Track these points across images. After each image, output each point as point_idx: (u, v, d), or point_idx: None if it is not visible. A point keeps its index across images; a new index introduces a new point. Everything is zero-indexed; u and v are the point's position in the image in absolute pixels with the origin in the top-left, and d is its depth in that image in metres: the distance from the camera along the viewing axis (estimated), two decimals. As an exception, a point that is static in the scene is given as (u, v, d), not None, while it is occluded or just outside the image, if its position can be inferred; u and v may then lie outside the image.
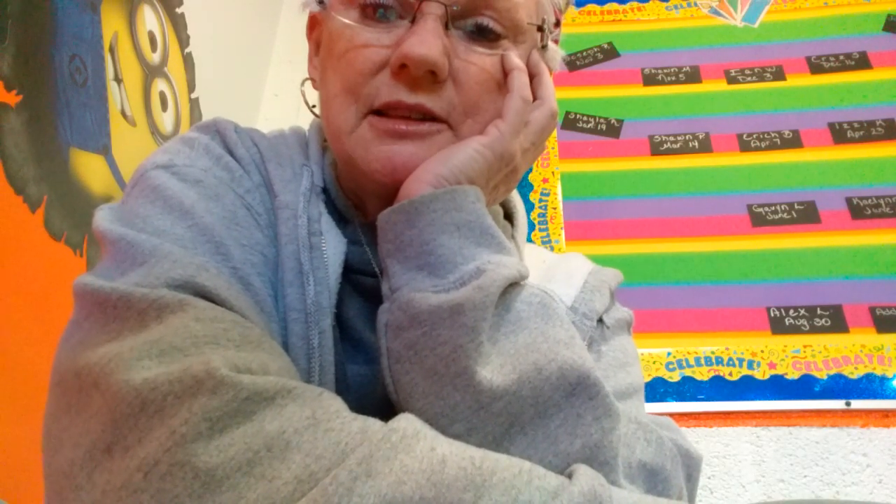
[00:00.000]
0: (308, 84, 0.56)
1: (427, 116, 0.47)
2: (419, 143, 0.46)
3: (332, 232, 0.48)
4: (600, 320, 0.56)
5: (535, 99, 0.51)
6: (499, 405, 0.38)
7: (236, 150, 0.49)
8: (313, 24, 0.56)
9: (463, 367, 0.38)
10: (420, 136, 0.47)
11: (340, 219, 0.52)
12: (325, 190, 0.52)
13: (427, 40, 0.45)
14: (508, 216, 0.61)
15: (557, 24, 0.55)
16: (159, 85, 1.37)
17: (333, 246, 0.47)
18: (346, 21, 0.48)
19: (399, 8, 0.47)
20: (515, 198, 0.61)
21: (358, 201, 0.53)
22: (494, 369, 0.39)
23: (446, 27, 0.46)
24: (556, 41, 0.56)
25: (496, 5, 0.47)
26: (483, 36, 0.48)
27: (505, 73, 0.49)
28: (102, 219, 0.43)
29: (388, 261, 0.44)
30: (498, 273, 0.41)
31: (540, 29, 0.51)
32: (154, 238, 0.40)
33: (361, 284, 0.50)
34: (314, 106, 0.55)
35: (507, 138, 0.47)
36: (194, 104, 1.52)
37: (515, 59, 0.49)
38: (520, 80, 0.48)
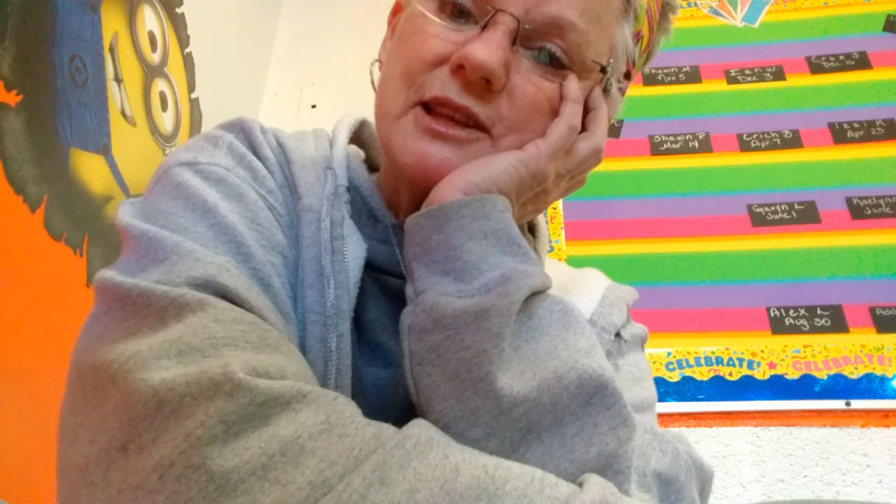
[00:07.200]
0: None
1: (471, 122, 0.47)
2: (456, 149, 0.46)
3: (353, 236, 0.48)
4: (618, 334, 0.57)
5: (584, 130, 0.51)
6: (518, 411, 0.39)
7: (261, 149, 0.49)
8: (397, 10, 0.57)
9: (485, 372, 0.39)
10: (458, 141, 0.47)
11: (370, 216, 0.52)
12: (351, 189, 0.52)
13: (490, 48, 0.45)
14: (531, 229, 0.61)
15: (628, 76, 0.55)
16: (159, 85, 1.37)
17: (354, 251, 0.48)
18: (423, 10, 0.49)
19: (475, 12, 0.48)
20: None
21: (392, 196, 0.53)
22: (515, 375, 0.39)
23: (514, 42, 0.47)
24: (621, 91, 0.55)
25: (567, 36, 0.47)
26: (548, 62, 0.48)
27: (561, 99, 0.49)
28: (125, 213, 0.43)
29: (413, 264, 0.44)
30: (523, 281, 0.41)
31: (603, 70, 0.51)
32: (176, 236, 0.40)
33: (388, 285, 0.51)
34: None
35: (543, 158, 0.47)
36: (194, 104, 1.52)
37: (575, 88, 0.49)
38: (572, 109, 0.48)
